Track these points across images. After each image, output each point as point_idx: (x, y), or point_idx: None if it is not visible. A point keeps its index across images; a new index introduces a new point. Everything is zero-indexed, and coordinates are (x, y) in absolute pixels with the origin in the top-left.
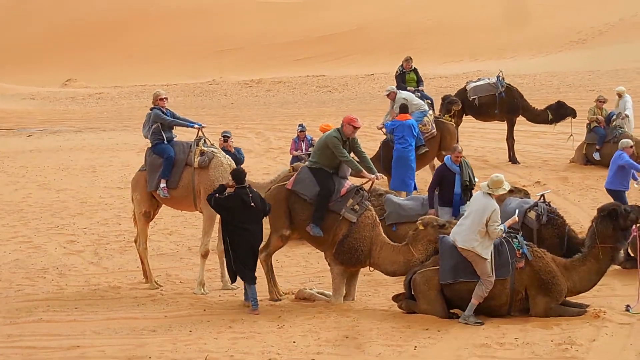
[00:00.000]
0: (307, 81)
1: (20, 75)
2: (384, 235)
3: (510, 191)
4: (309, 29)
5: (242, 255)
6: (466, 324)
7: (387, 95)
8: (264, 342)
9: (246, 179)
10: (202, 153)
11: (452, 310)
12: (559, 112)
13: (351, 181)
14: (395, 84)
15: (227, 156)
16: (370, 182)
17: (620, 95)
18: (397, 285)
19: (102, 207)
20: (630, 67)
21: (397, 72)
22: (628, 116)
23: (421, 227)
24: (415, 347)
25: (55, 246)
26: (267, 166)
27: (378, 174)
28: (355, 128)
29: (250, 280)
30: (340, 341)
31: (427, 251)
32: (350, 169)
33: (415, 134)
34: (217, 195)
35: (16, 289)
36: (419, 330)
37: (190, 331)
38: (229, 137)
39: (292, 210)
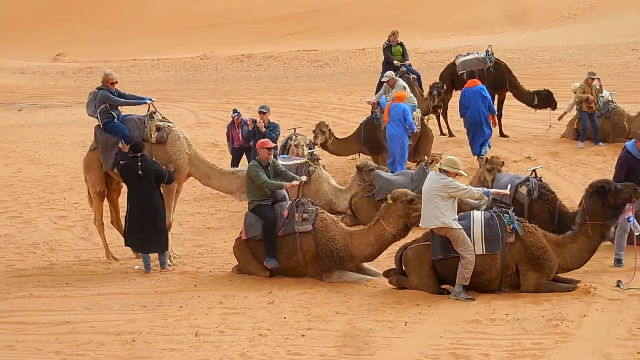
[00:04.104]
0: (298, 56)
1: (9, 49)
2: (347, 227)
3: (488, 170)
4: (299, 3)
5: (132, 223)
6: (457, 299)
7: (387, 82)
8: (255, 318)
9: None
10: (158, 128)
11: (443, 286)
12: (546, 100)
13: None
14: (383, 57)
15: (182, 130)
16: (297, 187)
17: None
18: (387, 261)
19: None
20: (621, 42)
21: (384, 45)
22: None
23: (390, 202)
24: (406, 322)
25: (45, 221)
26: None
27: (301, 178)
28: (270, 149)
29: (143, 247)
30: (330, 317)
31: (397, 225)
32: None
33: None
34: (120, 162)
35: (6, 264)
36: (409, 306)
37: (181, 307)
38: (263, 113)
39: (257, 254)
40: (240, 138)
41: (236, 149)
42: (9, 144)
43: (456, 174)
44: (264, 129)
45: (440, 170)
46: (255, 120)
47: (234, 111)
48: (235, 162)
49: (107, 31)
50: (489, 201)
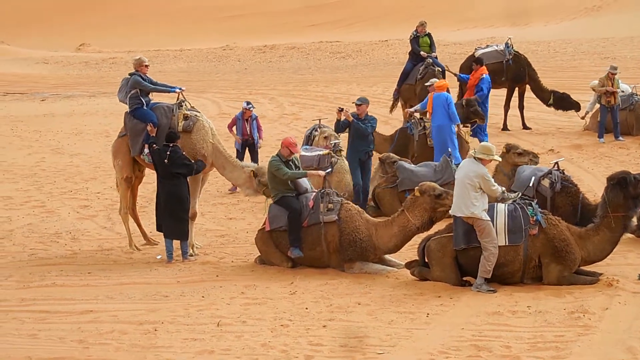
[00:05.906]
0: (321, 47)
1: (33, 39)
2: (372, 218)
3: (520, 154)
4: None
5: (160, 207)
6: (479, 291)
7: (429, 87)
8: (276, 308)
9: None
10: (185, 117)
11: (464, 278)
12: (561, 102)
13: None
14: (410, 48)
15: (208, 120)
16: (321, 178)
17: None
18: (409, 252)
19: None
20: None
21: (411, 36)
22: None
23: (418, 194)
24: (428, 314)
25: (68, 211)
26: (280, 132)
27: (327, 171)
28: (292, 153)
29: (164, 232)
30: (352, 308)
31: (422, 218)
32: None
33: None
34: (153, 146)
35: (29, 253)
36: (431, 298)
37: (203, 297)
38: (359, 105)
39: (280, 245)
40: (248, 132)
41: (242, 142)
42: (32, 134)
43: (491, 160)
44: (351, 118)
45: (475, 158)
46: (343, 109)
47: (247, 103)
48: (240, 156)
49: (130, 22)
50: (517, 196)
